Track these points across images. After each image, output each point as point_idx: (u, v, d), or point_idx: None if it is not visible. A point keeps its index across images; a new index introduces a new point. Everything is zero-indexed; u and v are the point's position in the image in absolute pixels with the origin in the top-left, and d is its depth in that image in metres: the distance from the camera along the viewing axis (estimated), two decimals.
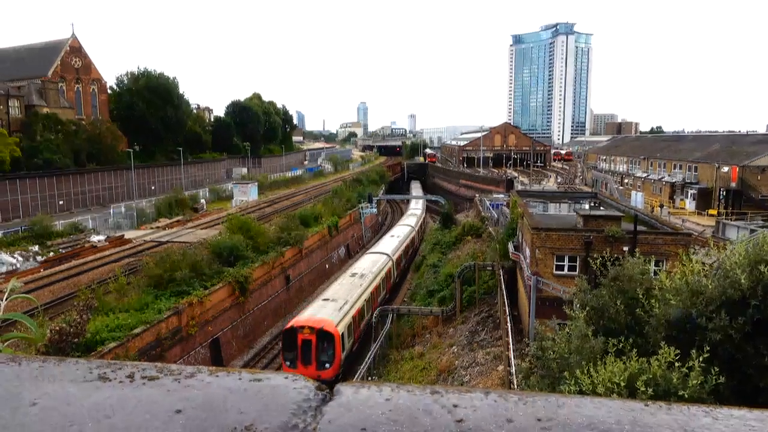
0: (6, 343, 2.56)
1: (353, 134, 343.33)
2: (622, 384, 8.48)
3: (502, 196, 65.40)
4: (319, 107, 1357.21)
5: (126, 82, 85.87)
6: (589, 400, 1.23)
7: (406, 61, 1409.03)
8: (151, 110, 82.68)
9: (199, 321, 29.89)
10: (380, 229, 78.78)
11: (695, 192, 61.22)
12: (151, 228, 53.91)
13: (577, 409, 1.18)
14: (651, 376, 8.50)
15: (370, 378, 28.17)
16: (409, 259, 56.19)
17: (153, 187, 78.39)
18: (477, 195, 74.67)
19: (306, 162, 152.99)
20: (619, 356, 9.61)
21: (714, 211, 56.07)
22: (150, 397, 1.26)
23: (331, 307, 30.82)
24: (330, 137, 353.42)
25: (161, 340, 26.43)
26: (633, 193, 67.76)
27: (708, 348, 8.55)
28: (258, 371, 1.38)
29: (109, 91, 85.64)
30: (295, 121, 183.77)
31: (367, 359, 29.62)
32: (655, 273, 14.83)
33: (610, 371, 8.69)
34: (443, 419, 1.14)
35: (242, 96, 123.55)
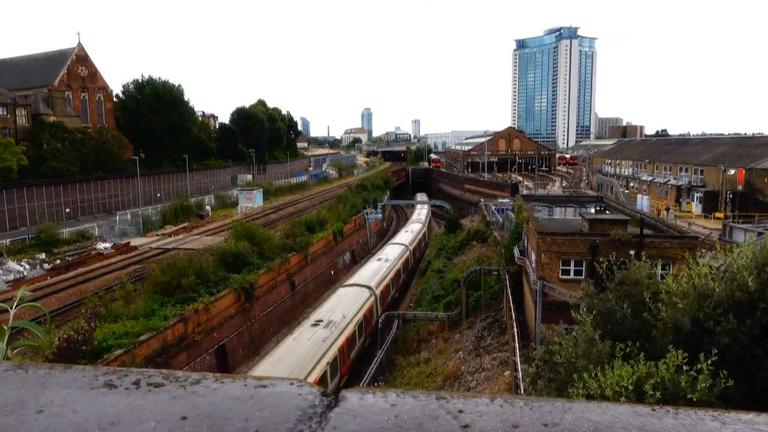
0: (15, 351, 2.57)
1: (357, 140, 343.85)
2: (631, 388, 8.43)
3: (507, 200, 65.32)
4: (324, 113, 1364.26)
5: (131, 90, 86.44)
6: (596, 404, 1.23)
7: (410, 67, 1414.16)
8: (156, 118, 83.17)
9: (205, 327, 29.92)
10: (385, 234, 78.79)
11: (701, 195, 60.92)
12: (157, 235, 54.08)
13: (583, 414, 1.17)
14: (659, 380, 8.44)
15: (376, 384, 28.10)
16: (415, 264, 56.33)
17: (159, 195, 78.74)
18: (482, 200, 74.55)
19: (311, 168, 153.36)
20: (627, 360, 9.56)
21: (721, 214, 55.75)
22: (156, 404, 1.26)
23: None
24: (334, 143, 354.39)
25: (167, 347, 26.46)
26: (639, 196, 67.58)
27: (716, 351, 8.49)
28: (263, 377, 1.38)
29: (114, 99, 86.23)
30: (299, 128, 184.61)
31: (372, 365, 29.57)
32: (662, 276, 14.76)
33: (618, 375, 8.64)
34: (449, 425, 1.14)
35: (247, 103, 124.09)
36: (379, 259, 46.07)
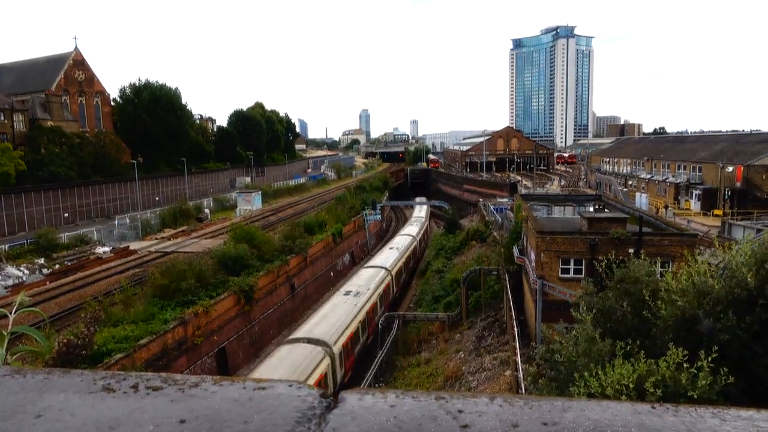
0: (14, 357, 2.57)
1: (356, 141, 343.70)
2: (631, 386, 8.44)
3: (506, 200, 65.40)
4: (322, 115, 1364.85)
5: (129, 94, 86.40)
6: (596, 403, 1.23)
7: (408, 68, 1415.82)
8: (154, 121, 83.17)
9: (205, 331, 29.89)
10: (384, 234, 78.79)
11: (700, 192, 60.98)
12: (156, 239, 54.05)
13: (582, 412, 1.17)
14: (659, 378, 8.45)
15: (376, 385, 28.11)
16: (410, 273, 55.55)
17: (157, 198, 78.67)
18: (481, 199, 74.63)
19: (309, 170, 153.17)
20: (627, 358, 9.57)
21: (719, 212, 55.83)
22: (154, 407, 1.25)
23: None
24: (333, 145, 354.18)
25: (167, 351, 26.43)
26: (637, 194, 67.61)
27: (716, 348, 8.50)
28: (262, 379, 1.38)
29: (112, 104, 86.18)
30: (297, 130, 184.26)
31: (373, 366, 29.55)
32: (661, 274, 14.76)
33: (619, 373, 8.65)
34: (448, 425, 1.14)
35: (245, 105, 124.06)
36: (347, 293, 35.48)
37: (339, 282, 48.15)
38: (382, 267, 42.87)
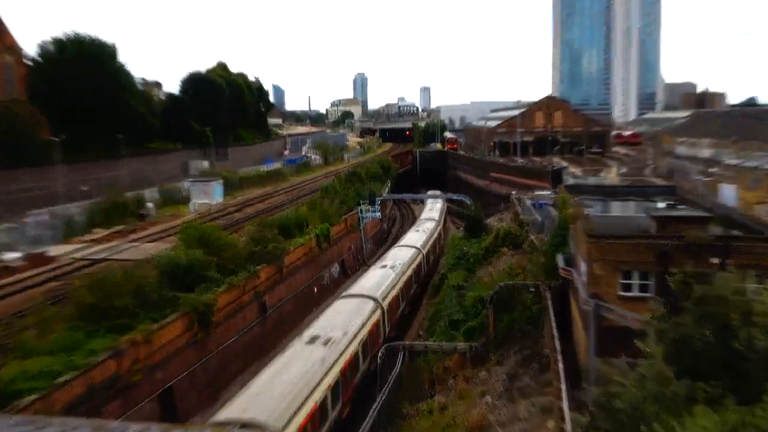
0: None
1: (348, 114, 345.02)
2: None
3: (548, 192, 65.37)
4: (304, 80, 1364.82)
5: (51, 51, 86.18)
6: None
7: (418, 21, 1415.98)
8: (81, 86, 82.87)
9: (145, 365, 29.90)
10: (387, 237, 78.95)
11: None
12: (83, 242, 54.22)
13: None
14: (755, 431, 8.41)
15: None
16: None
17: (85, 188, 78.59)
18: (514, 192, 74.69)
19: (287, 152, 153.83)
20: (711, 404, 9.53)
21: None
22: None
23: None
24: (318, 118, 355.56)
25: (95, 391, 26.41)
26: (722, 186, 67.61)
27: None
28: (225, 427, 1.33)
29: (30, 63, 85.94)
30: (271, 99, 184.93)
31: (371, 414, 29.52)
32: (757, 293, 14.73)
33: (701, 425, 8.62)
34: None
35: (203, 67, 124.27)
36: (311, 341, 30.40)
37: (324, 301, 47.99)
38: (369, 296, 38.53)
